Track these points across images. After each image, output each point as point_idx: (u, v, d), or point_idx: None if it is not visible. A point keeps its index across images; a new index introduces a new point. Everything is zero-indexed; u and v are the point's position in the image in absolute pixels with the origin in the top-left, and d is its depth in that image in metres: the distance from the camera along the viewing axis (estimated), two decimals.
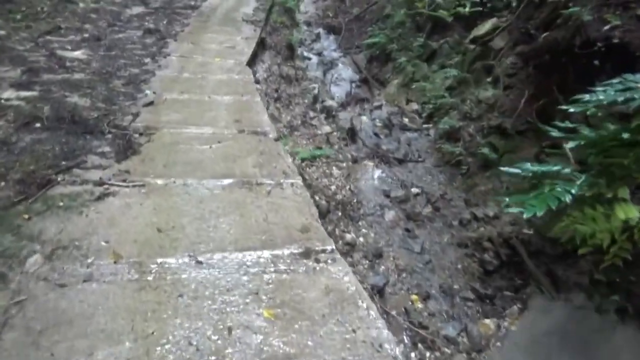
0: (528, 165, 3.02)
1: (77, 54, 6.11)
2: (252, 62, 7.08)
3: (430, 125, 6.41)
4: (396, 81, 8.11)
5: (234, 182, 3.33)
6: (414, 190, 5.01)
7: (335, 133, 6.30)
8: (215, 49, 6.99)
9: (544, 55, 4.79)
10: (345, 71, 9.72)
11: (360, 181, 5.07)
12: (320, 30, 12.05)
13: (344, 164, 5.31)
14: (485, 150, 4.96)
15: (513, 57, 5.34)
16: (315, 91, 8.06)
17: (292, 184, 3.38)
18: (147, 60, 6.19)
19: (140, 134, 3.96)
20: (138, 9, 9.08)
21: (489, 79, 5.68)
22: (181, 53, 6.56)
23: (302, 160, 4.39)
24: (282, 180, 3.39)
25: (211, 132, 4.14)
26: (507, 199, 2.91)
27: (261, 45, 8.31)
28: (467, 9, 6.56)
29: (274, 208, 3.11)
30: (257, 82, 6.70)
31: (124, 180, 3.19)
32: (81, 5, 8.85)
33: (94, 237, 2.64)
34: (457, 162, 5.30)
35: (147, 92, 4.99)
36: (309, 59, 10.22)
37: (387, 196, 4.94)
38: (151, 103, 4.66)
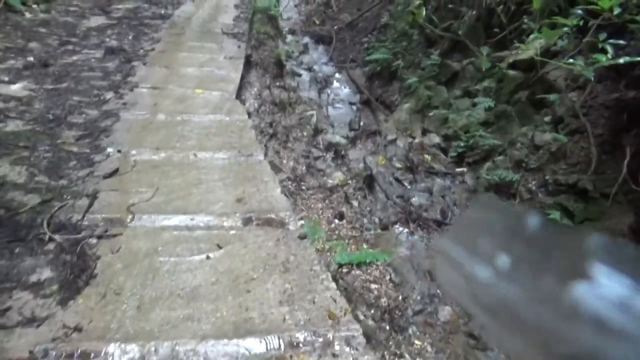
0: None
1: (16, 88, 4.68)
2: (240, 92, 5.77)
3: (465, 170, 5.27)
4: (407, 105, 6.95)
5: (256, 347, 2.05)
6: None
7: (350, 182, 5.08)
8: (194, 74, 5.65)
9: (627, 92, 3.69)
10: (342, 90, 8.51)
11: (401, 264, 3.86)
12: (308, 39, 10.78)
13: (372, 233, 4.09)
14: (555, 214, 3.84)
15: (577, 92, 4.23)
16: (314, 119, 6.83)
17: (346, 340, 2.12)
18: (109, 95, 4.81)
19: (99, 237, 2.64)
20: (98, 20, 7.61)
21: (546, 118, 4.56)
22: (153, 82, 5.20)
23: (340, 265, 3.15)
24: (330, 336, 2.13)
25: (205, 225, 2.85)
26: None
27: (247, 63, 7.00)
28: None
29: None
30: (248, 114, 5.43)
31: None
32: (27, 15, 7.33)
33: None
34: None
35: (110, 150, 3.65)
36: (299, 75, 8.95)
37: (435, 280, 3.76)
38: (115, 172, 3.33)
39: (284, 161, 5.14)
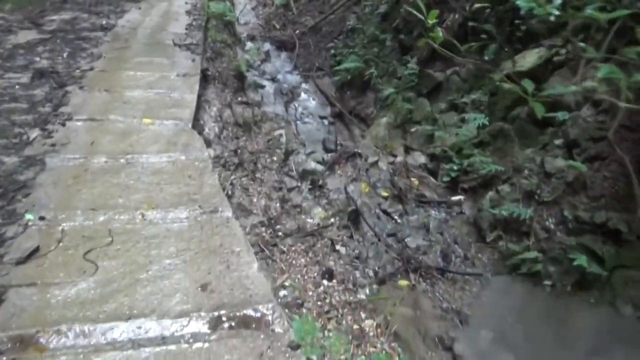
0: None
1: None
2: (197, 115, 4.96)
3: (462, 198, 4.64)
4: (385, 119, 6.30)
5: None
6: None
7: (332, 220, 4.36)
8: (142, 98, 4.79)
9: None
10: (310, 102, 7.79)
11: (404, 328, 3.17)
12: (268, 46, 9.99)
13: (368, 294, 3.39)
14: (581, 259, 3.25)
15: (591, 109, 3.65)
16: (283, 139, 6.10)
17: None
18: (34, 133, 3.91)
19: None
20: (27, 35, 6.55)
21: (557, 141, 3.97)
22: (90, 113, 4.32)
23: None
24: None
25: (157, 337, 2.06)
26: None
27: (203, 78, 6.16)
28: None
29: None
30: (208, 142, 4.64)
31: None
32: None
33: None
34: (531, 272, 3.55)
35: (28, 217, 2.79)
36: (262, 86, 8.15)
37: (449, 349, 3.09)
38: (34, 252, 2.48)
39: (254, 199, 4.38)
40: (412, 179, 5.21)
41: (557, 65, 4.28)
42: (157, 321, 2.14)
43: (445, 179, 4.87)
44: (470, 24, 5.31)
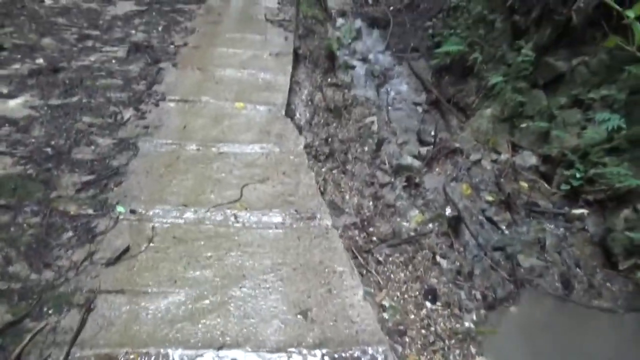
0: None
1: (14, 105, 3.73)
2: (289, 99, 4.67)
3: (585, 212, 4.00)
4: (489, 111, 5.65)
5: None
6: None
7: (431, 226, 3.93)
8: (234, 79, 4.56)
9: None
10: (403, 87, 7.23)
11: None
12: (360, 22, 9.44)
13: (474, 316, 2.96)
14: None
15: None
16: (375, 127, 5.69)
17: None
18: (128, 112, 3.80)
19: None
20: (125, 6, 6.54)
21: None
22: (183, 93, 4.16)
23: None
24: None
25: None
26: None
27: (295, 58, 5.86)
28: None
29: None
30: (299, 129, 4.34)
31: None
32: (47, 2, 6.37)
33: None
34: None
35: (119, 210, 2.63)
36: (353, 67, 7.70)
37: None
38: (124, 253, 2.30)
39: (346, 196, 4.03)
40: (522, 183, 4.61)
41: None
42: (251, 354, 1.87)
43: (564, 187, 4.22)
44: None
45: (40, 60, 4.56)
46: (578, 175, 4.14)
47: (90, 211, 2.63)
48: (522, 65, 5.41)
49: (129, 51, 4.99)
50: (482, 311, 3.08)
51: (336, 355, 1.88)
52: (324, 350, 1.91)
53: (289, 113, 4.43)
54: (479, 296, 3.19)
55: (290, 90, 4.78)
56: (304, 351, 1.89)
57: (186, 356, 1.84)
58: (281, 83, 4.64)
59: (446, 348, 2.61)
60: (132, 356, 1.81)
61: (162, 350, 1.85)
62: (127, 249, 2.36)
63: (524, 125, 5.18)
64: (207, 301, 2.10)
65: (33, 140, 3.28)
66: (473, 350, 2.67)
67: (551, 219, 4.07)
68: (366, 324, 2.05)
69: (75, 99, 3.93)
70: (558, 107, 4.88)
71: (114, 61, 4.77)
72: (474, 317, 2.99)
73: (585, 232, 3.87)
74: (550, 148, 4.69)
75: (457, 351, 2.62)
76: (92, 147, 3.27)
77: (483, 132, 5.56)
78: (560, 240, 3.80)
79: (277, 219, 2.68)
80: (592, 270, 3.51)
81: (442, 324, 2.79)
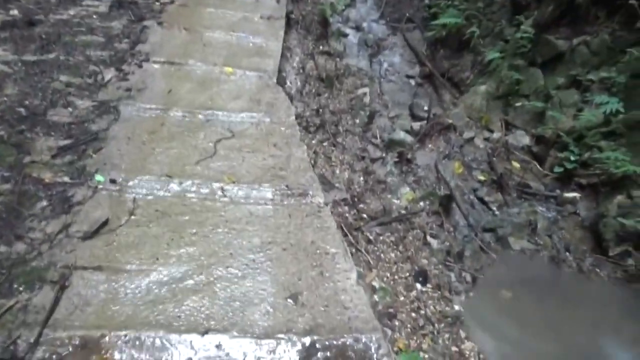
0: None
1: None
2: (280, 65, 4.46)
3: (578, 196, 3.94)
4: (484, 87, 5.53)
5: None
6: None
7: (422, 204, 3.85)
8: (223, 42, 4.33)
9: None
10: (397, 58, 7.03)
11: None
12: None
13: (464, 298, 2.91)
14: None
15: None
16: (367, 99, 5.53)
17: None
18: (109, 73, 3.56)
19: None
20: None
21: None
22: (169, 54, 3.92)
23: None
24: None
25: None
26: None
27: (287, 23, 5.61)
28: None
29: None
30: (290, 97, 4.17)
31: None
32: None
33: None
34: None
35: (98, 178, 2.46)
36: (346, 35, 7.43)
37: None
38: (102, 225, 2.15)
39: (336, 170, 3.91)
40: (514, 162, 4.53)
41: None
42: (238, 339, 1.76)
43: (558, 169, 4.15)
44: None
45: (15, 12, 4.24)
46: (572, 158, 4.07)
47: (67, 179, 2.45)
48: (521, 42, 5.27)
49: (112, 6, 4.68)
50: (471, 294, 3.02)
51: (327, 343, 1.79)
52: (315, 337, 1.81)
53: (280, 81, 4.24)
54: (469, 278, 3.13)
55: (282, 56, 4.57)
56: (294, 338, 1.79)
57: (168, 340, 1.72)
58: (272, 48, 4.42)
59: (435, 332, 2.55)
60: (108, 339, 1.69)
61: (142, 334, 1.73)
62: (105, 222, 2.20)
63: (519, 104, 5.07)
64: (191, 281, 1.97)
65: (5, 99, 3.05)
66: (462, 334, 2.62)
67: (543, 202, 4.02)
68: (359, 310, 1.95)
69: (52, 55, 3.67)
70: (555, 87, 4.77)
71: (95, 16, 4.47)
72: (462, 299, 2.94)
73: (576, 216, 3.82)
74: (544, 129, 4.60)
75: (447, 335, 2.56)
76: (70, 109, 3.06)
77: (476, 109, 5.45)
78: (551, 224, 3.75)
79: (267, 194, 2.54)
80: (582, 255, 3.48)
81: (432, 306, 2.73)
